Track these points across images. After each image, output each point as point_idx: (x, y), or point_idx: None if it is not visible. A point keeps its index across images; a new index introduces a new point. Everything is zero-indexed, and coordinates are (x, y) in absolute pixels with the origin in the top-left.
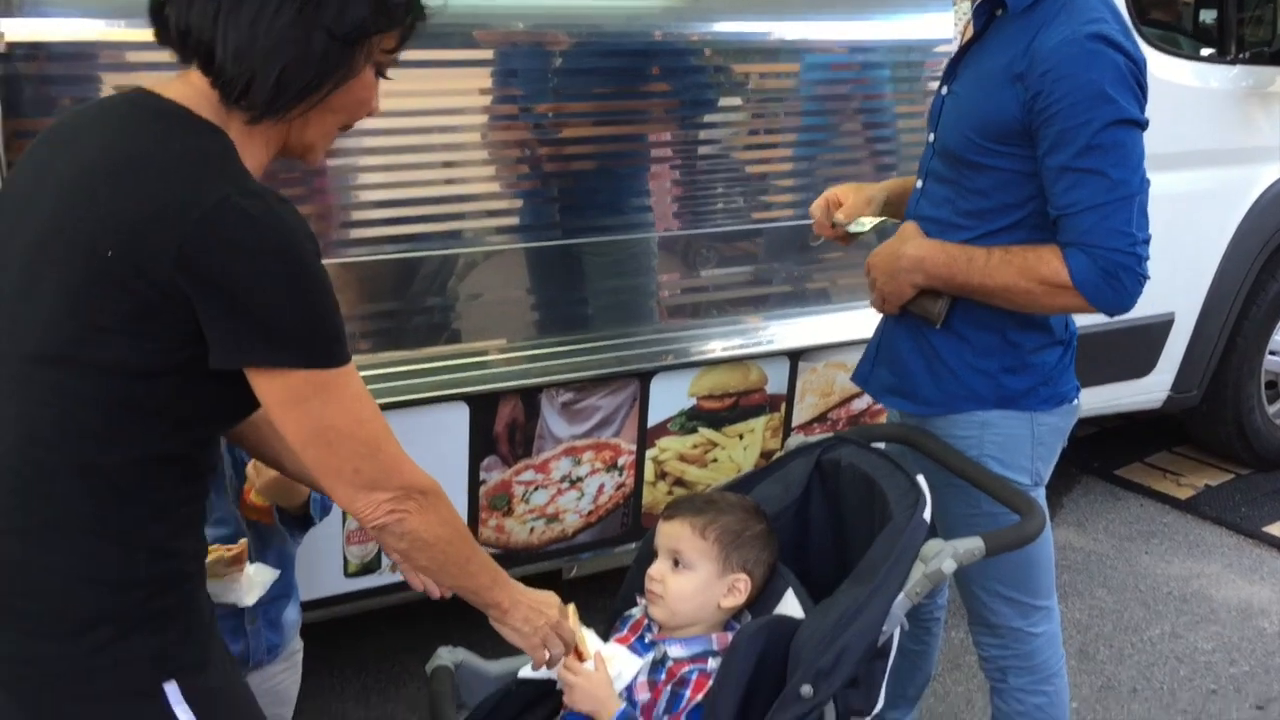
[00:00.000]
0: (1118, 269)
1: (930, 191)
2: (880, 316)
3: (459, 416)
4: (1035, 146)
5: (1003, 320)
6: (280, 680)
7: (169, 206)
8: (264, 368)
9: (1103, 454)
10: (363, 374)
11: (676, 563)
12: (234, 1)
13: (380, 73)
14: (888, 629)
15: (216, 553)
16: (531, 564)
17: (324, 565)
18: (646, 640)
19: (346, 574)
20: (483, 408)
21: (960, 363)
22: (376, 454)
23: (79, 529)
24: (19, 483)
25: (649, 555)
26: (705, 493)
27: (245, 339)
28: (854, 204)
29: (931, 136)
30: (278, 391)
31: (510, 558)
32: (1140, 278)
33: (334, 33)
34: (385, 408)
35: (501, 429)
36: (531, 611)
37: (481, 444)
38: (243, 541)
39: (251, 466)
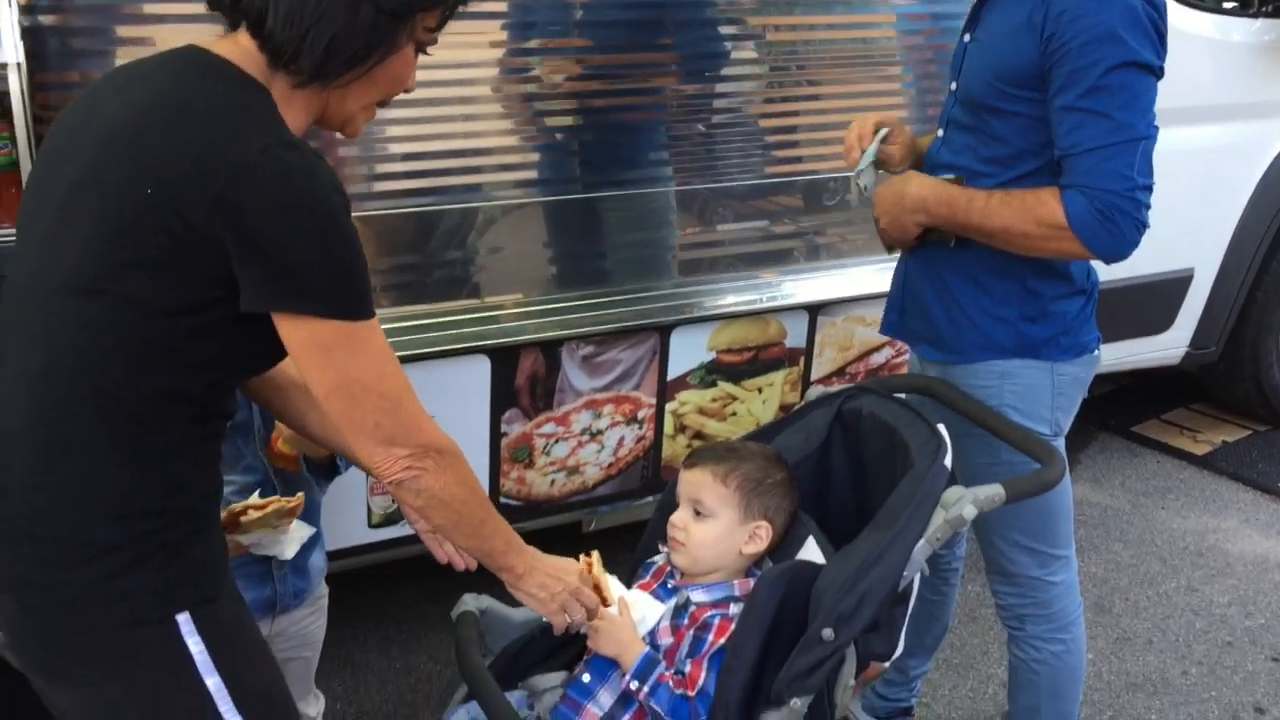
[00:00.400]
0: (1114, 211)
1: (951, 139)
2: (897, 266)
3: (481, 369)
4: (1048, 88)
5: (1023, 268)
6: (306, 624)
7: (211, 152)
8: (292, 314)
9: (1119, 411)
10: (385, 327)
11: (698, 511)
12: None
13: (420, 49)
14: (908, 574)
15: (277, 503)
16: (552, 516)
17: (348, 516)
18: (669, 586)
19: (370, 524)
20: (504, 361)
21: (980, 311)
22: (397, 410)
23: (94, 457)
24: (39, 409)
25: (671, 504)
26: (727, 442)
27: (276, 286)
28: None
29: (953, 85)
30: (304, 339)
31: (531, 509)
32: (1138, 224)
33: (382, 6)
34: (407, 360)
35: (523, 382)
36: (548, 578)
37: (503, 397)
38: (300, 495)
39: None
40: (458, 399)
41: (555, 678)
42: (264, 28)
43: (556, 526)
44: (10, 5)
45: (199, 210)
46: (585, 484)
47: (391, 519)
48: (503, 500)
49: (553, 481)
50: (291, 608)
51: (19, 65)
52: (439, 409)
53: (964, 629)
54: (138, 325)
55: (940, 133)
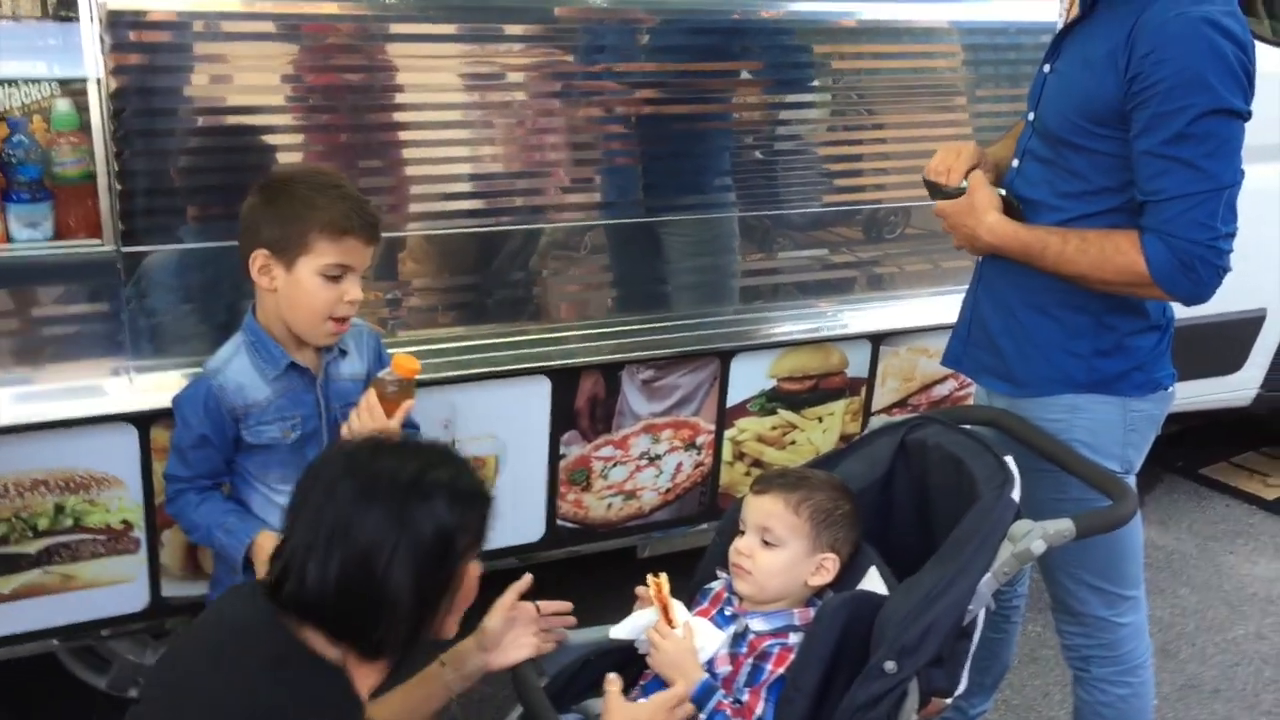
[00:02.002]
0: (1195, 261)
1: (1027, 171)
2: (965, 297)
3: (541, 391)
4: (1129, 128)
5: (1098, 302)
6: None
7: None
8: None
9: (1188, 453)
10: (448, 346)
11: (766, 540)
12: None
13: (480, 558)
14: (974, 608)
15: None
16: (608, 540)
17: None
18: (727, 613)
19: None
20: (564, 382)
21: (1052, 344)
22: None
23: None
24: None
25: (732, 529)
26: (795, 469)
27: None
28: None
29: (1031, 115)
30: None
31: (587, 533)
32: (1219, 270)
33: (435, 577)
34: (469, 380)
35: (582, 404)
36: None
37: (562, 418)
38: None
39: (346, 427)
40: (518, 419)
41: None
42: (340, 636)
43: (611, 551)
44: (92, 20)
45: None
46: (642, 509)
47: None
48: (559, 523)
49: (610, 505)
50: None
51: (99, 81)
52: (499, 428)
53: (1024, 669)
54: None
55: (1016, 163)
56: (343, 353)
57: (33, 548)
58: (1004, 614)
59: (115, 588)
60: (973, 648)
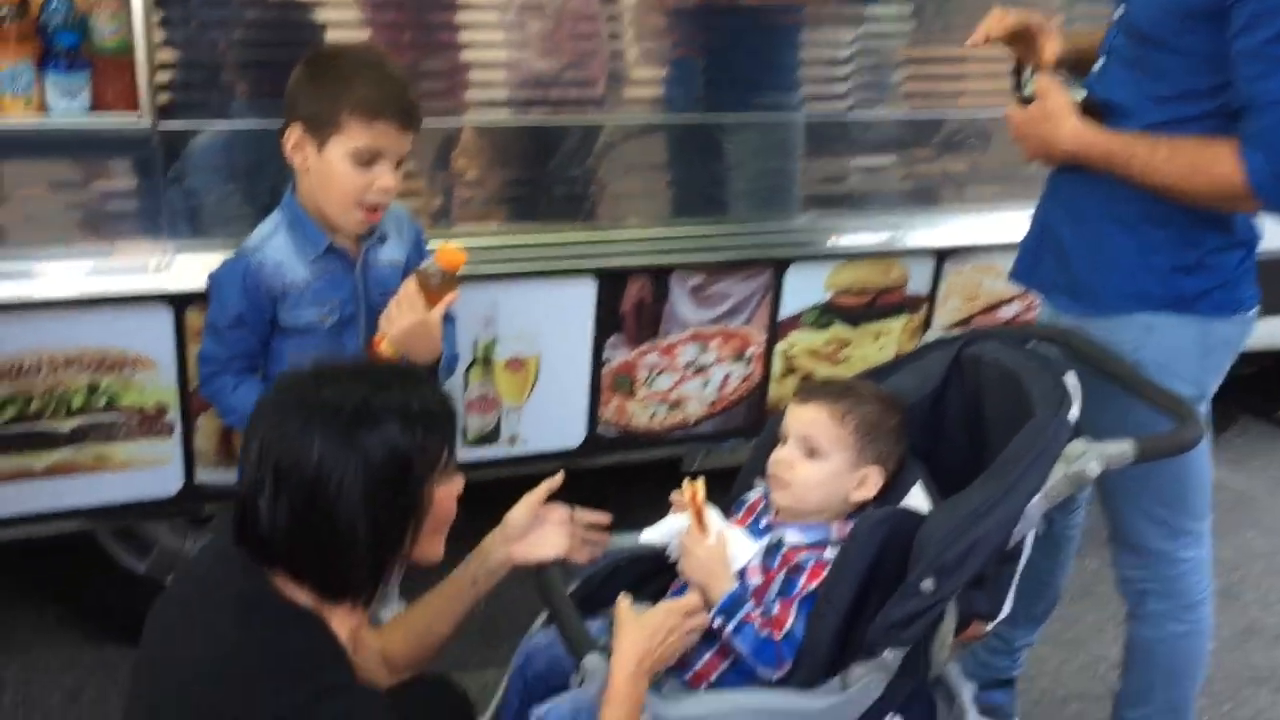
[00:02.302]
0: None
1: (1111, 72)
2: (1038, 205)
3: (586, 293)
4: (1228, 25)
5: (1181, 213)
6: None
7: (249, 707)
8: None
9: (1265, 394)
10: (494, 242)
11: (810, 450)
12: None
13: (450, 476)
14: (1021, 530)
15: None
16: (650, 449)
17: None
18: (762, 524)
19: (465, 442)
20: (610, 285)
21: (1128, 258)
22: None
23: None
24: None
25: (772, 439)
26: (842, 379)
27: None
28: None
29: (1118, 11)
30: None
31: (629, 441)
32: None
33: (390, 509)
34: (511, 278)
35: (629, 308)
36: (650, 654)
37: (607, 322)
38: None
39: (384, 316)
40: (561, 321)
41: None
42: (302, 577)
43: (655, 463)
44: None
45: None
46: (686, 420)
47: (488, 438)
48: (600, 430)
49: (653, 414)
50: None
51: None
52: (542, 329)
53: (1078, 604)
54: None
55: (1100, 62)
56: (382, 238)
57: (66, 426)
58: (1057, 543)
59: (149, 471)
60: (1018, 572)
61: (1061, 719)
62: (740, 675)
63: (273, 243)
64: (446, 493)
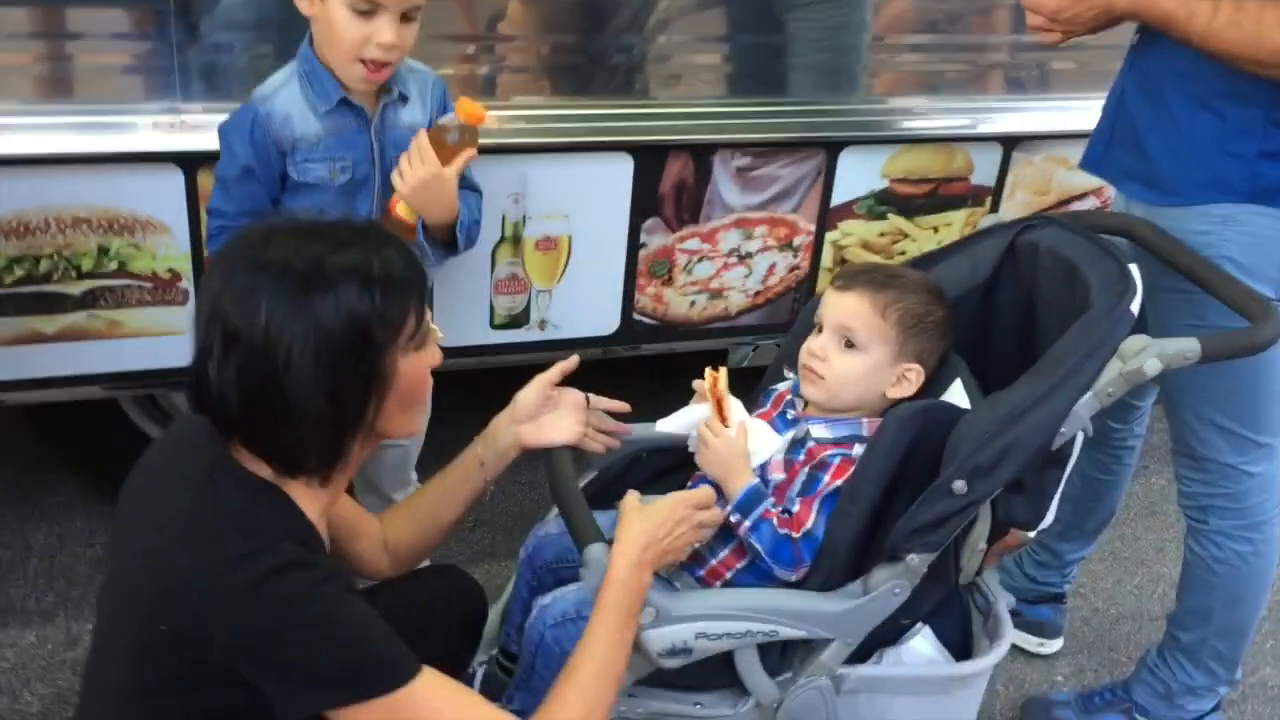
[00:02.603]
0: None
1: None
2: (1113, 86)
3: (622, 170)
4: None
5: (1270, 93)
6: None
7: (209, 588)
8: (326, 709)
9: None
10: (523, 111)
11: (847, 341)
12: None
13: (421, 345)
14: (1066, 431)
15: None
16: (688, 340)
17: (469, 313)
18: (789, 417)
19: (492, 325)
20: (648, 163)
21: (1209, 143)
22: None
23: None
24: None
25: (806, 328)
26: (885, 266)
27: (294, 695)
28: None
29: None
30: None
31: (666, 331)
32: None
33: (347, 380)
34: (543, 150)
35: (668, 189)
36: (655, 544)
37: (644, 203)
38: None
39: (396, 173)
40: (595, 200)
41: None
42: (255, 448)
43: (696, 356)
44: None
45: (206, 647)
46: (728, 310)
47: (516, 321)
48: (636, 317)
49: (692, 303)
50: None
51: None
52: (574, 208)
53: (1140, 522)
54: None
55: None
56: (403, 98)
57: (76, 289)
58: (1115, 454)
59: (163, 339)
60: (1064, 479)
61: (1113, 638)
62: (757, 575)
63: (284, 93)
64: (415, 365)
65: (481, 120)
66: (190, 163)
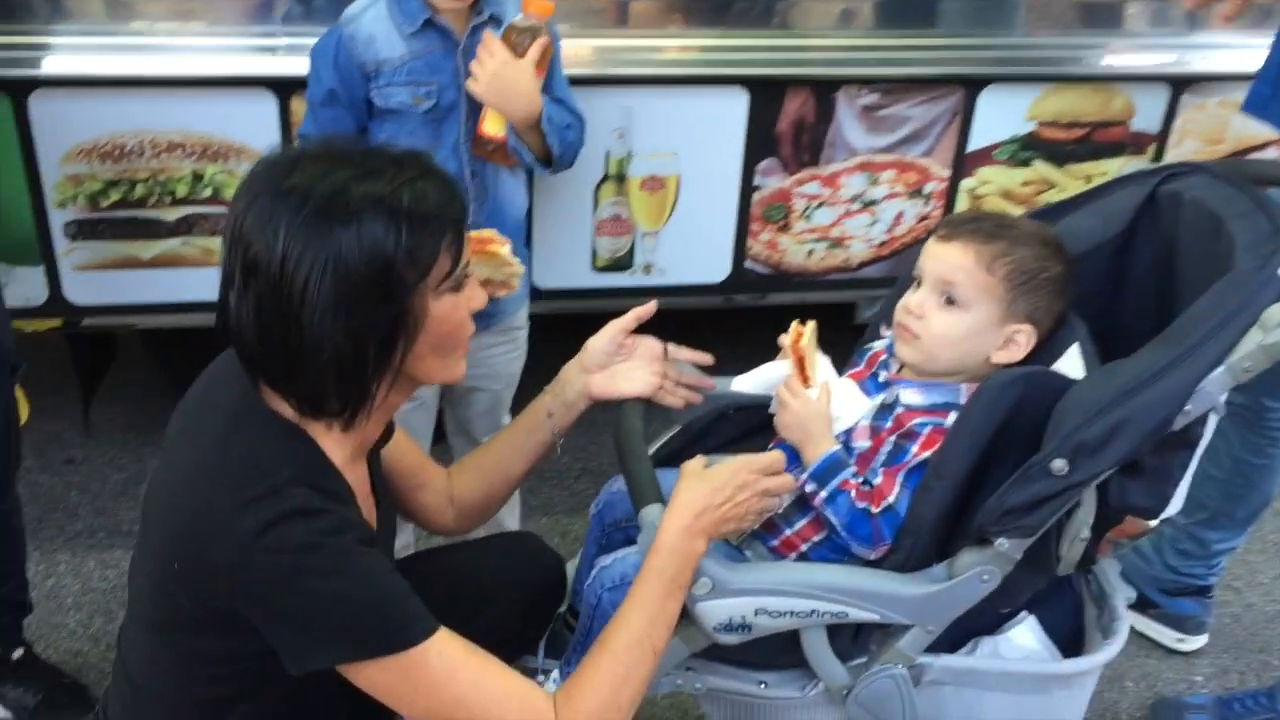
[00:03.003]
0: None
1: None
2: None
3: (736, 106)
4: None
5: None
6: (495, 354)
7: (221, 534)
8: (334, 666)
9: None
10: (629, 43)
11: (948, 297)
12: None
13: (458, 288)
14: (1192, 409)
15: (508, 264)
16: (805, 292)
17: (571, 254)
18: (880, 379)
19: (594, 267)
20: (765, 99)
21: None
22: None
23: None
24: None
25: (909, 281)
26: (996, 214)
27: (302, 646)
28: None
29: None
30: (365, 681)
31: (780, 281)
32: None
33: (372, 320)
34: (650, 83)
35: (785, 128)
36: (711, 510)
37: (760, 143)
38: (520, 274)
39: (471, 81)
40: (706, 138)
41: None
42: (276, 386)
43: (821, 306)
44: None
45: (213, 590)
46: (849, 261)
47: (621, 264)
48: (747, 265)
49: (810, 252)
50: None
51: None
52: (683, 146)
53: None
54: (192, 665)
55: None
56: (494, 20)
57: (171, 215)
58: (1270, 435)
59: None
60: (1194, 461)
61: (1266, 638)
62: (836, 550)
63: (370, 14)
64: (450, 307)
65: (549, 12)
66: (284, 88)
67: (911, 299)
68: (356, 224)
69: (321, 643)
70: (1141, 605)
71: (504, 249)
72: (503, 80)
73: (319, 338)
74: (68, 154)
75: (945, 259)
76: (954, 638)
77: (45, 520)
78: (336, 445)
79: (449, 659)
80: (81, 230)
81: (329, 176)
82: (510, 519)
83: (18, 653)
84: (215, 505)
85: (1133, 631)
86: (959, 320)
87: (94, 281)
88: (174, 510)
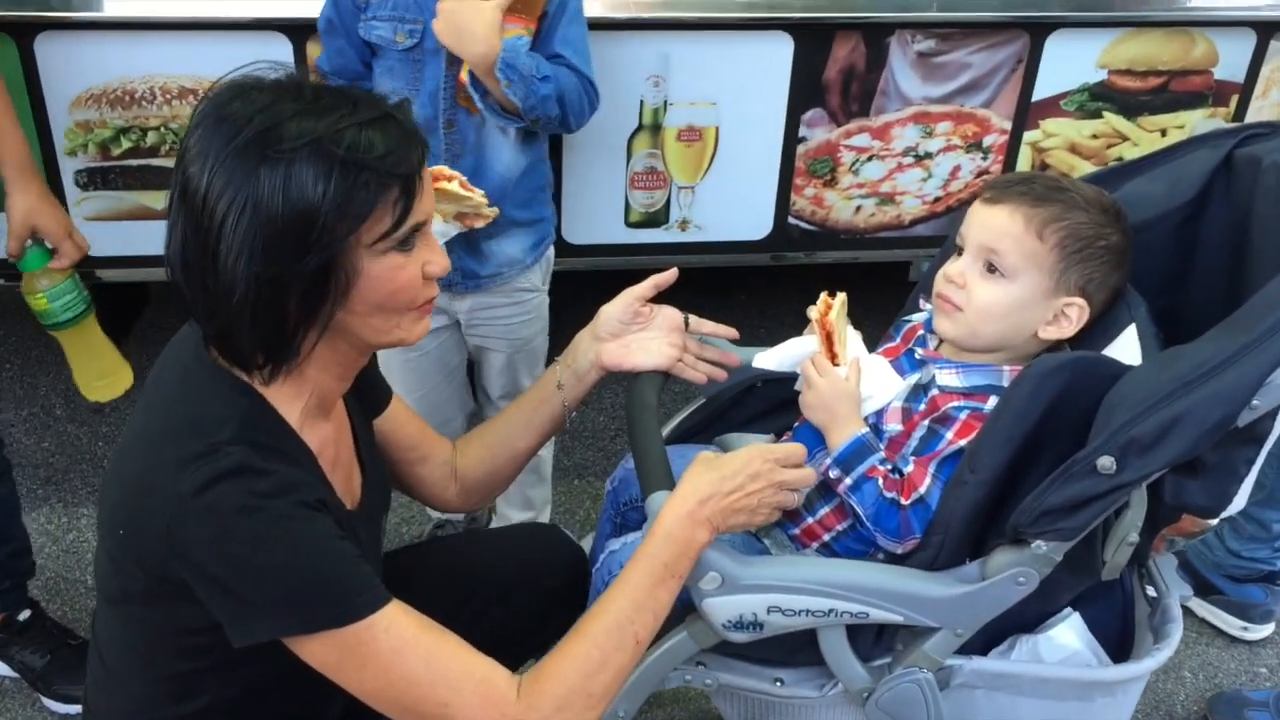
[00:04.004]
0: None
1: None
2: None
3: (780, 52)
4: None
5: None
6: (497, 314)
7: (159, 497)
8: (278, 638)
9: None
10: None
11: (992, 265)
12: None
13: (407, 247)
14: (1261, 404)
15: (476, 200)
16: (854, 250)
17: (603, 210)
18: (917, 356)
19: (627, 223)
20: (812, 44)
21: None
22: (445, 708)
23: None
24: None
25: (952, 248)
26: (1049, 176)
27: (245, 616)
28: None
29: None
30: (309, 657)
31: (826, 238)
32: None
33: (286, 272)
34: (687, 28)
35: (834, 76)
36: (719, 499)
37: (805, 92)
38: (496, 211)
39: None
40: (748, 86)
41: (755, 440)
42: (205, 333)
43: (871, 265)
44: None
45: (154, 556)
46: (900, 218)
47: (655, 220)
48: (791, 221)
49: (858, 208)
50: (468, 289)
51: None
52: (723, 95)
53: None
54: (153, 639)
55: None
56: None
57: None
58: None
59: None
60: (1260, 459)
61: None
62: (861, 541)
63: None
64: (392, 266)
65: None
66: (298, 31)
67: (952, 268)
68: (285, 165)
69: (261, 613)
70: (1204, 590)
71: (453, 184)
72: (458, 18)
73: (232, 280)
74: (76, 99)
75: (990, 224)
76: (990, 635)
77: (70, 471)
78: (289, 402)
79: (399, 635)
80: (93, 179)
81: (271, 108)
82: (537, 490)
83: (24, 614)
84: (154, 466)
85: (1193, 618)
86: (1004, 291)
87: (108, 232)
88: (118, 475)
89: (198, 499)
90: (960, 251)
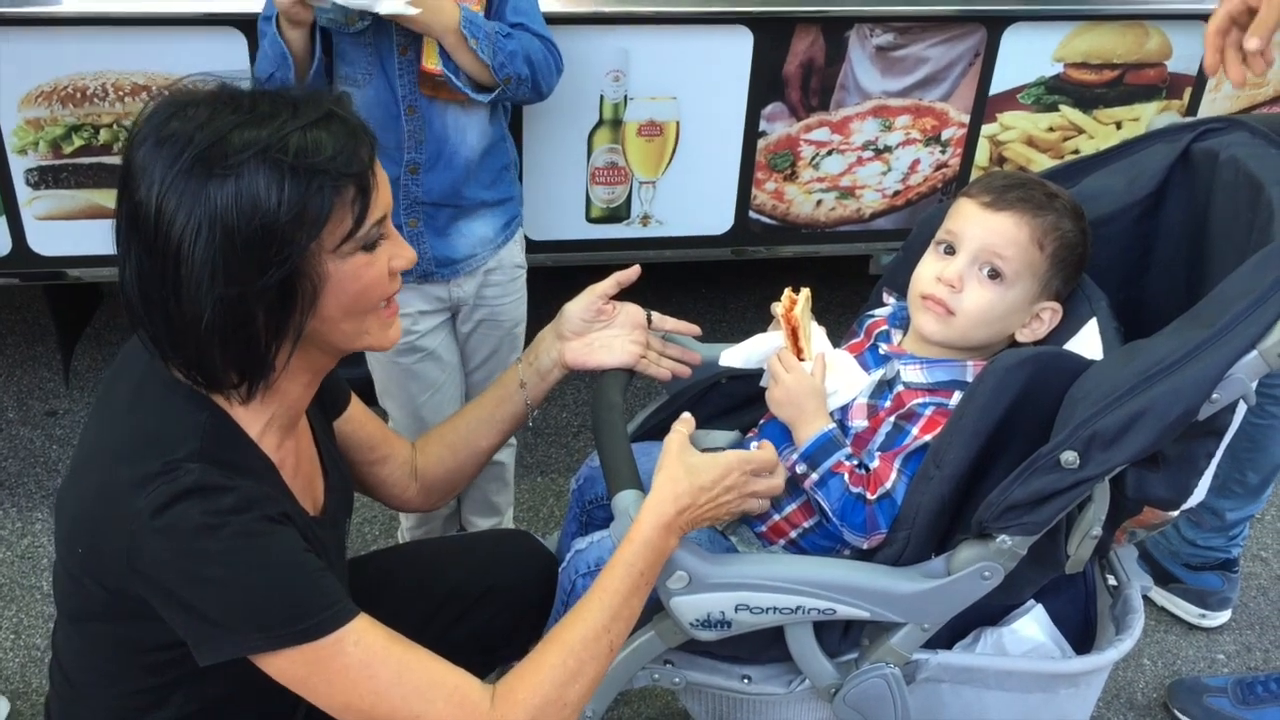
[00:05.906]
0: None
1: None
2: None
3: (740, 46)
4: None
5: None
6: (489, 298)
7: (116, 517)
8: (244, 656)
9: None
10: None
11: (995, 271)
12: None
13: (370, 246)
14: (1220, 397)
15: None
16: (814, 244)
17: (564, 205)
18: (881, 351)
19: (589, 218)
20: (771, 38)
21: None
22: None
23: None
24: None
25: (922, 244)
26: (1033, 179)
27: (202, 635)
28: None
29: None
30: (277, 674)
31: (787, 232)
32: None
33: (251, 290)
34: (646, 22)
35: (793, 70)
36: (694, 508)
37: (765, 86)
38: None
39: None
40: (708, 80)
41: (721, 437)
42: (168, 358)
43: (831, 259)
44: None
45: (113, 575)
46: (860, 212)
47: (617, 215)
48: (752, 216)
49: (819, 202)
50: (443, 277)
51: None
52: (683, 90)
53: None
54: (117, 655)
55: None
56: None
57: None
58: (1268, 393)
59: None
60: (1219, 451)
61: None
62: (828, 537)
63: None
64: (356, 269)
65: None
66: (252, 26)
67: (949, 269)
68: (235, 178)
69: (226, 632)
70: (1163, 579)
71: None
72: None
73: (198, 305)
74: (26, 97)
75: (997, 230)
76: (954, 628)
77: (24, 475)
78: (252, 414)
79: (368, 649)
80: (44, 178)
81: (212, 122)
82: (502, 495)
83: None
84: (111, 485)
85: (1153, 606)
86: (1000, 296)
87: (60, 231)
88: (75, 492)
89: (156, 519)
90: (946, 249)
